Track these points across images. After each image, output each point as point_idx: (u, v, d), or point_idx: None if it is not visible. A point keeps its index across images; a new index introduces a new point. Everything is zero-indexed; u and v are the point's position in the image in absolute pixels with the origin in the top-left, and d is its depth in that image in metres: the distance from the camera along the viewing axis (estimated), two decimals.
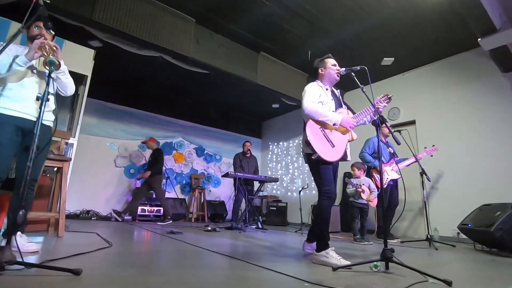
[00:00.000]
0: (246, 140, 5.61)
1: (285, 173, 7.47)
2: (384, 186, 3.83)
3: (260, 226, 5.03)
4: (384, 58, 4.93)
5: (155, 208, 5.63)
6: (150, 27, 3.84)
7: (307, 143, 2.10)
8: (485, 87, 4.31)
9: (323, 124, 2.15)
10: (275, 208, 6.42)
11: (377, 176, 3.84)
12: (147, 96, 6.53)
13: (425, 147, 4.03)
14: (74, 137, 3.48)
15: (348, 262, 1.86)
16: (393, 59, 4.91)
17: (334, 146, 2.13)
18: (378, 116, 2.05)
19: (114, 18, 3.51)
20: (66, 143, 3.31)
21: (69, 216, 5.03)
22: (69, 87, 2.16)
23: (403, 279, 1.59)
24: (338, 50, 4.63)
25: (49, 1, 3.08)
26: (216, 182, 7.38)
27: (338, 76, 2.34)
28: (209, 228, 4.20)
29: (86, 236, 2.84)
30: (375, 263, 1.76)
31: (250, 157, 5.51)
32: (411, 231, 4.81)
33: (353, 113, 2.36)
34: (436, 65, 4.96)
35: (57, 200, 2.91)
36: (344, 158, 2.33)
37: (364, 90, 2.15)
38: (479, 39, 3.37)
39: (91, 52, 3.71)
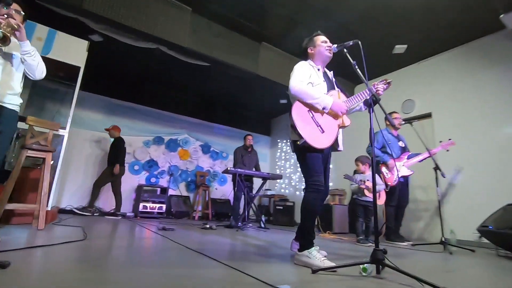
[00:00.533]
0: (247, 134, 5.38)
1: (293, 172, 7.18)
2: (395, 183, 3.48)
3: (262, 225, 4.79)
4: (396, 46, 4.55)
5: (157, 205, 5.53)
6: (145, 16, 3.72)
7: (293, 128, 1.85)
8: (511, 72, 3.85)
9: (311, 106, 1.90)
10: (281, 208, 6.14)
11: (385, 172, 3.49)
12: (151, 92, 6.47)
13: (440, 141, 3.64)
14: (65, 129, 3.39)
15: (333, 264, 1.59)
16: (405, 46, 4.52)
17: (323, 132, 1.87)
18: (371, 94, 1.76)
19: (105, 7, 3.41)
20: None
21: (72, 212, 5.03)
22: (37, 70, 2.04)
23: (395, 286, 1.31)
24: (342, 36, 4.30)
25: None
26: (222, 180, 7.21)
27: (329, 53, 2.07)
28: (207, 226, 4.03)
29: (69, 230, 2.73)
30: (363, 266, 1.49)
31: (252, 152, 5.27)
32: (426, 233, 4.39)
33: (347, 97, 2.09)
34: (455, 52, 4.51)
35: (46, 193, 2.80)
36: (334, 147, 2.07)
37: (356, 66, 1.87)
38: (501, 16, 2.97)
39: (85, 44, 3.63)
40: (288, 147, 7.56)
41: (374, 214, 1.62)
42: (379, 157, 3.53)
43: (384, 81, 2.09)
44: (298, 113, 1.87)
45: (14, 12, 1.96)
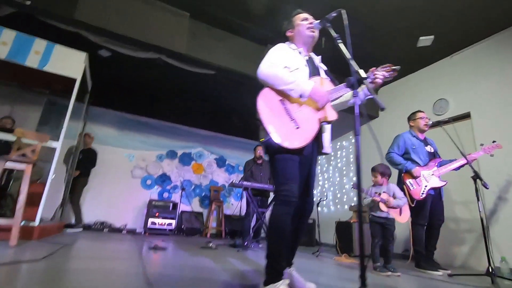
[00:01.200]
0: (257, 144, 4.99)
1: (315, 186, 6.58)
2: (422, 197, 2.85)
3: None
4: (421, 38, 3.96)
5: (167, 221, 5.30)
6: (141, 25, 3.63)
7: (260, 122, 1.47)
8: None
9: (285, 95, 1.50)
10: None
11: (410, 183, 2.88)
12: (164, 105, 6.43)
13: (482, 144, 2.95)
14: (58, 141, 3.30)
15: None
16: (432, 37, 3.91)
17: (298, 127, 1.45)
18: (356, 73, 1.32)
19: (99, 17, 3.36)
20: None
21: (83, 227, 4.98)
22: None
23: None
24: (358, 33, 3.85)
25: (29, 2, 3.05)
26: (238, 195, 6.84)
27: (311, 31, 1.68)
28: (210, 245, 3.66)
29: (45, 248, 2.52)
30: None
31: (263, 163, 4.87)
32: (472, 259, 3.56)
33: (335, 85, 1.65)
34: (495, 40, 3.79)
35: (22, 206, 2.67)
36: (319, 149, 1.63)
37: (339, 41, 1.45)
38: None
39: (82, 55, 3.60)
40: None
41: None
42: (401, 164, 2.93)
43: (389, 67, 1.61)
44: (266, 102, 1.48)
45: None
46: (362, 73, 1.30)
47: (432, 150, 3.09)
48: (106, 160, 5.67)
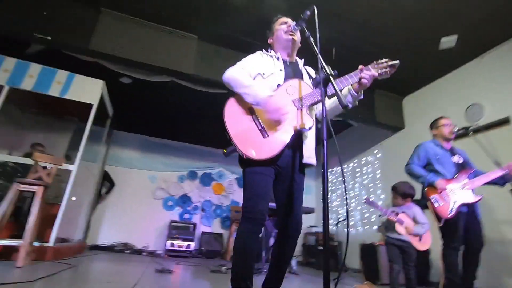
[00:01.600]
0: None
1: (340, 204, 6.16)
2: (451, 215, 2.45)
3: (293, 268, 4.00)
4: (442, 39, 3.63)
5: (186, 243, 5.23)
6: (151, 50, 3.80)
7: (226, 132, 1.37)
8: None
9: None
10: (323, 248, 5.16)
11: (435, 200, 2.50)
12: (183, 127, 6.55)
13: None
14: (74, 164, 3.46)
15: None
16: (455, 37, 3.57)
17: (267, 136, 1.31)
18: (322, 69, 1.16)
19: (111, 46, 3.58)
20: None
21: (106, 248, 5.11)
22: None
23: None
24: (376, 42, 3.65)
25: (49, 38, 3.34)
26: None
27: (289, 34, 1.57)
28: (221, 269, 3.50)
29: (48, 269, 2.55)
30: None
31: None
32: None
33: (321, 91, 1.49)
34: None
35: (31, 228, 2.76)
36: (300, 160, 1.45)
37: (311, 39, 1.31)
38: None
39: (99, 83, 3.83)
40: (333, 176, 6.64)
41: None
42: (422, 177, 2.57)
43: (383, 63, 1.42)
44: (233, 109, 1.39)
45: None
46: (328, 69, 1.14)
47: (461, 161, 2.69)
48: (130, 182, 5.86)
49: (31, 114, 4.60)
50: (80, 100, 3.69)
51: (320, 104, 1.62)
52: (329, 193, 6.67)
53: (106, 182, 5.39)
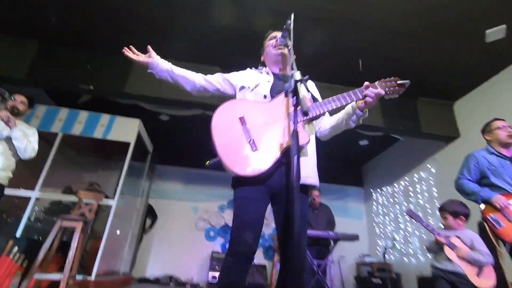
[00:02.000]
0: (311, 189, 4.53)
1: (396, 229, 5.44)
2: None
3: None
4: (487, 31, 3.17)
5: None
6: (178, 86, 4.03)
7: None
8: None
9: (247, 111, 1.30)
10: (379, 281, 4.54)
11: (494, 220, 2.02)
12: None
13: None
14: (114, 198, 3.68)
15: None
16: (504, 27, 3.08)
17: (256, 149, 1.20)
18: (291, 77, 1.04)
19: (142, 87, 3.89)
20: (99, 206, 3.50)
21: (152, 281, 5.23)
22: (23, 152, 2.33)
23: None
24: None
25: (92, 87, 3.78)
26: None
27: (277, 49, 1.49)
28: None
29: None
30: None
31: (320, 208, 4.35)
32: None
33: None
34: None
35: (71, 262, 2.93)
36: (296, 179, 1.28)
37: (289, 48, 1.22)
38: None
39: (136, 122, 4.16)
40: (383, 198, 5.98)
41: None
42: (474, 194, 2.11)
43: (392, 82, 1.25)
44: (222, 119, 1.31)
45: (20, 102, 2.39)
46: (298, 75, 1.01)
47: None
48: (173, 214, 6.05)
49: (83, 156, 5.13)
50: (119, 140, 4.02)
51: (321, 120, 1.48)
52: (382, 217, 6.00)
53: (150, 215, 5.65)
